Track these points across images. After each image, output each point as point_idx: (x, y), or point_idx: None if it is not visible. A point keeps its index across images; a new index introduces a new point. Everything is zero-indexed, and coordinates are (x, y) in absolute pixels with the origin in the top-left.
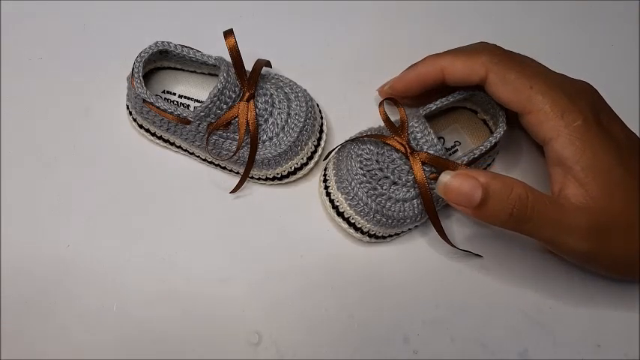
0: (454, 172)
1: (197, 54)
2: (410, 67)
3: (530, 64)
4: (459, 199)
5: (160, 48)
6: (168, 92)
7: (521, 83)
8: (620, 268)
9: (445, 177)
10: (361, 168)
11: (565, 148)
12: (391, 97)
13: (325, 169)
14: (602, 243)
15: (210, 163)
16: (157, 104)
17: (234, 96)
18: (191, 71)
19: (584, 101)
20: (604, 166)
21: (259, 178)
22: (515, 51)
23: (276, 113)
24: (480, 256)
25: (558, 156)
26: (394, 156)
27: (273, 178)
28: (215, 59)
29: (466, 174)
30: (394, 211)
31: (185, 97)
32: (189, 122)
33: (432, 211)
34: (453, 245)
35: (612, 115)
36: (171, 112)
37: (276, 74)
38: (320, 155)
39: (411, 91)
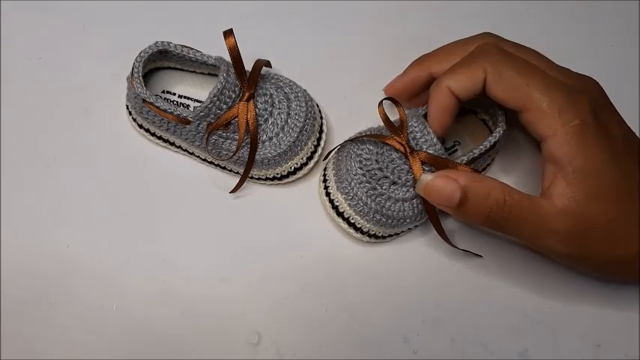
0: (435, 172)
1: (197, 54)
2: (402, 73)
3: (528, 62)
4: (438, 199)
5: (160, 48)
6: (168, 92)
7: (518, 81)
8: (605, 271)
9: (426, 177)
10: (361, 168)
11: (559, 147)
12: (391, 97)
13: (325, 169)
14: (582, 247)
15: (210, 163)
16: (156, 104)
17: (233, 96)
18: (191, 71)
19: (585, 99)
20: (596, 169)
21: (259, 178)
22: None
23: (276, 113)
24: (480, 256)
25: (552, 154)
26: (394, 156)
27: (273, 178)
28: (215, 59)
29: (447, 175)
30: (394, 210)
31: (185, 97)
32: (189, 122)
33: (431, 211)
34: (452, 245)
35: (613, 113)
36: (171, 112)
37: (275, 74)
38: (320, 155)
39: (403, 97)
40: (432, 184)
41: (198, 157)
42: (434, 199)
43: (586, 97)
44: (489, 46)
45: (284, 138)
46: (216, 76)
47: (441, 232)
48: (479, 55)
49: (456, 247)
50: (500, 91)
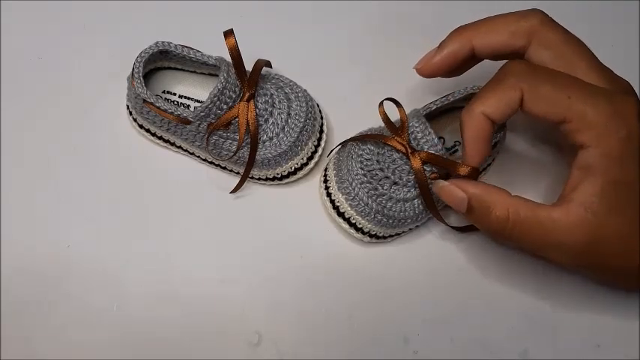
0: (449, 179)
1: (197, 54)
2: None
3: (562, 73)
4: (450, 203)
5: (160, 48)
6: (168, 92)
7: (558, 95)
8: (610, 281)
9: (442, 182)
10: (362, 168)
11: (597, 158)
12: (391, 98)
13: (326, 170)
14: (589, 260)
15: (211, 163)
16: (157, 104)
17: (234, 96)
18: (191, 71)
19: (632, 104)
20: (629, 182)
21: (259, 178)
22: None
23: (277, 113)
24: (475, 230)
25: (587, 163)
26: (395, 156)
27: (273, 178)
28: (215, 59)
29: (457, 184)
30: (395, 211)
31: (185, 97)
32: (189, 122)
33: (431, 206)
34: (455, 228)
35: None
36: (172, 112)
37: (276, 74)
38: (320, 155)
39: (440, 74)
40: (445, 188)
41: (198, 157)
42: (447, 202)
43: (632, 102)
44: (519, 64)
45: (284, 138)
46: (217, 76)
47: (434, 211)
48: (510, 74)
49: (451, 226)
50: (539, 108)
